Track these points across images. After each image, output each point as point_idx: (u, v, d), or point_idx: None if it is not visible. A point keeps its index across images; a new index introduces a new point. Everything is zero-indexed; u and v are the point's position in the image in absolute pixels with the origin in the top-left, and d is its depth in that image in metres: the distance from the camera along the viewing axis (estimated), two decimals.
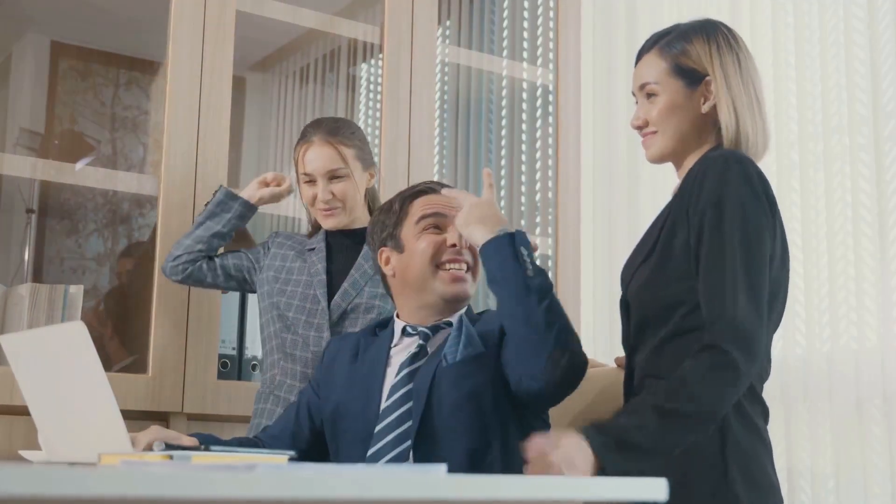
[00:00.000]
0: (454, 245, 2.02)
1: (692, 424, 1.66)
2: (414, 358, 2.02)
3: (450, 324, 2.03)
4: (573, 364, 1.84)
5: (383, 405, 1.98)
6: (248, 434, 2.43)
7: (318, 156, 2.44)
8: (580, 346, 1.88)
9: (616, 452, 1.58)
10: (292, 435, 2.12)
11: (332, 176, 2.43)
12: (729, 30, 1.95)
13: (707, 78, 1.88)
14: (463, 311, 2.07)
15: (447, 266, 2.03)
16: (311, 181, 2.45)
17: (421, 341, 2.03)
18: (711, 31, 1.92)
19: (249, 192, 2.57)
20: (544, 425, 2.01)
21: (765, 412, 1.83)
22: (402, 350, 2.05)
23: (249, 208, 2.56)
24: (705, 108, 1.89)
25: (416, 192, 2.12)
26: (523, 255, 1.86)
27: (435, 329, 2.04)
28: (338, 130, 2.48)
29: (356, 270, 2.44)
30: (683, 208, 1.80)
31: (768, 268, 1.76)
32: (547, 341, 1.82)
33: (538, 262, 1.92)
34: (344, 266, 2.47)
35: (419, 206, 2.09)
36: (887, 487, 2.43)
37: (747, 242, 1.74)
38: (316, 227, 2.57)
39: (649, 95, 1.92)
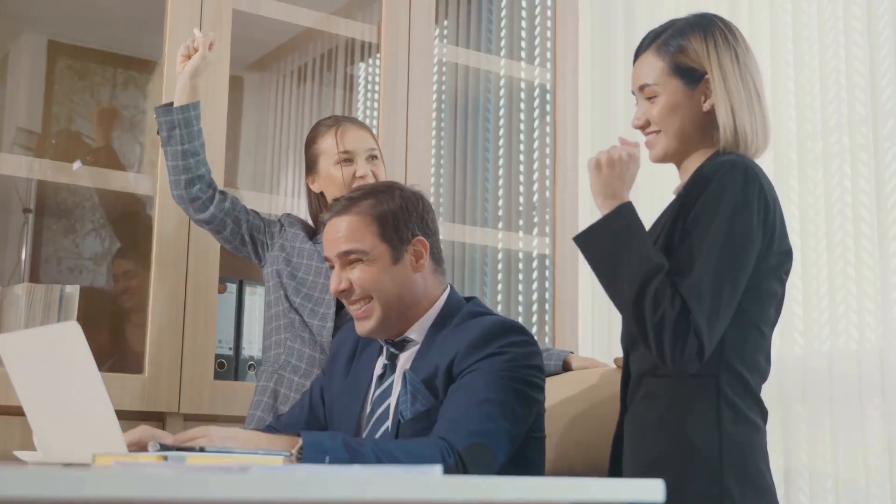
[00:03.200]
0: None
1: (617, 289, 1.76)
2: (381, 379, 2.01)
3: (413, 340, 2.00)
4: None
5: (365, 426, 1.98)
6: (247, 421, 2.43)
7: (357, 135, 2.52)
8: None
9: None
10: (307, 423, 2.11)
11: (369, 156, 2.50)
12: (726, 24, 1.93)
13: (706, 76, 1.87)
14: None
15: None
16: (349, 160, 2.48)
17: (386, 361, 2.01)
18: (708, 28, 1.90)
19: (178, 88, 2.43)
20: (538, 442, 1.97)
21: (763, 413, 1.83)
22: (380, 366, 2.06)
23: (187, 108, 2.42)
24: (706, 107, 1.87)
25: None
26: None
27: (400, 345, 2.01)
28: (363, 122, 2.59)
29: None
30: (687, 210, 1.79)
31: (745, 273, 1.75)
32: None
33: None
34: None
35: None
36: (886, 487, 2.43)
37: (730, 244, 1.73)
38: (313, 229, 2.56)
39: (649, 97, 1.91)
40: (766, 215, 1.78)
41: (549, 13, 3.45)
